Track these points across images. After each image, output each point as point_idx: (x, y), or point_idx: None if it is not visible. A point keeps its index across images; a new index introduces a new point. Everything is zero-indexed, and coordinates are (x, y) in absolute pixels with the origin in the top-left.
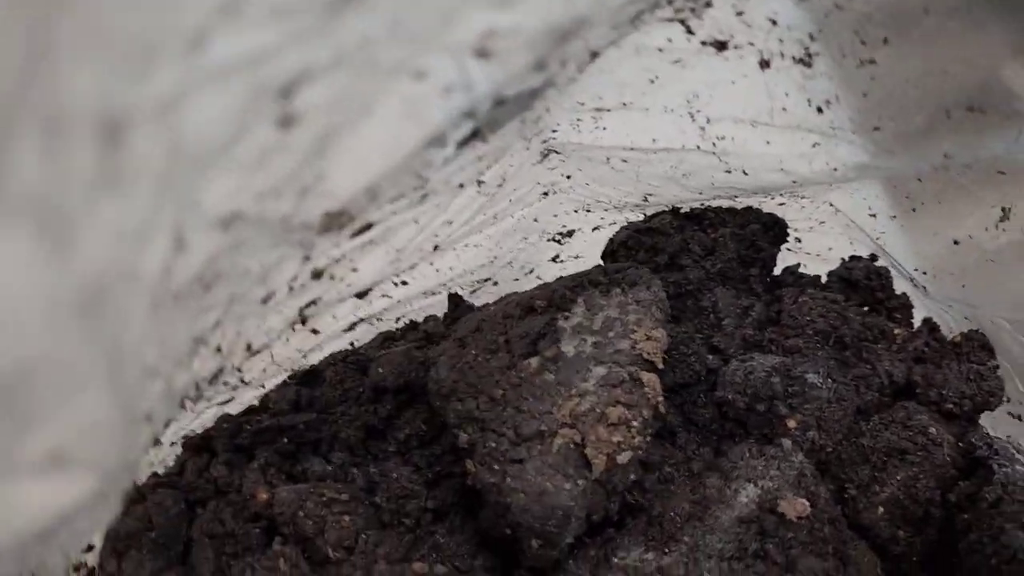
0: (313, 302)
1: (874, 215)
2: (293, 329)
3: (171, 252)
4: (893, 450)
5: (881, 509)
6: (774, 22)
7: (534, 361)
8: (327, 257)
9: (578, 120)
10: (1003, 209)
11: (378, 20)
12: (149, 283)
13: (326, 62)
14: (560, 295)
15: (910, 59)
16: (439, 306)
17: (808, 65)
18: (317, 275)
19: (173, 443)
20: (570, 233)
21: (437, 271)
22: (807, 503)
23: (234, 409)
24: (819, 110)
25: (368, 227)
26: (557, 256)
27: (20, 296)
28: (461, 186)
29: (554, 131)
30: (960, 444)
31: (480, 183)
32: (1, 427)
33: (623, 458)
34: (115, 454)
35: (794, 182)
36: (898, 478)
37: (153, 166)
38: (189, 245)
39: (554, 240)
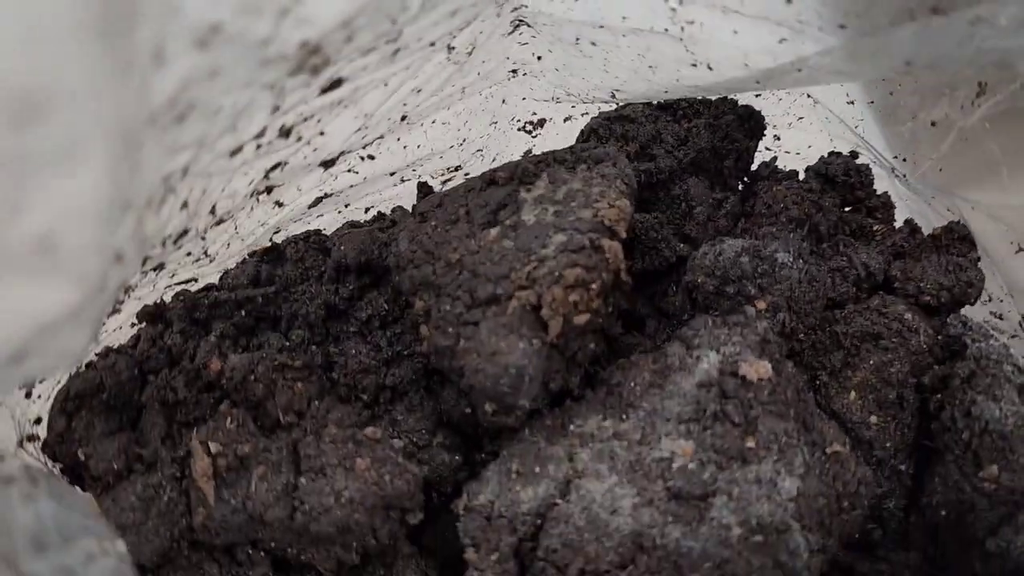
0: (279, 165)
1: (852, 102)
2: (258, 200)
3: (150, 65)
4: (867, 335)
5: (853, 394)
6: None
7: (493, 230)
8: (295, 114)
9: None
10: (979, 84)
11: None
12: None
13: None
14: (523, 169)
15: None
16: (407, 197)
17: None
18: (285, 132)
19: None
20: (541, 123)
21: (405, 148)
22: (768, 365)
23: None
24: (788, 0)
25: (338, 83)
26: (530, 151)
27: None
28: (432, 45)
29: (522, 3)
30: (939, 336)
31: (450, 48)
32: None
33: (580, 319)
34: (97, 264)
35: (757, 82)
36: (871, 362)
37: None
38: (167, 59)
39: (524, 131)
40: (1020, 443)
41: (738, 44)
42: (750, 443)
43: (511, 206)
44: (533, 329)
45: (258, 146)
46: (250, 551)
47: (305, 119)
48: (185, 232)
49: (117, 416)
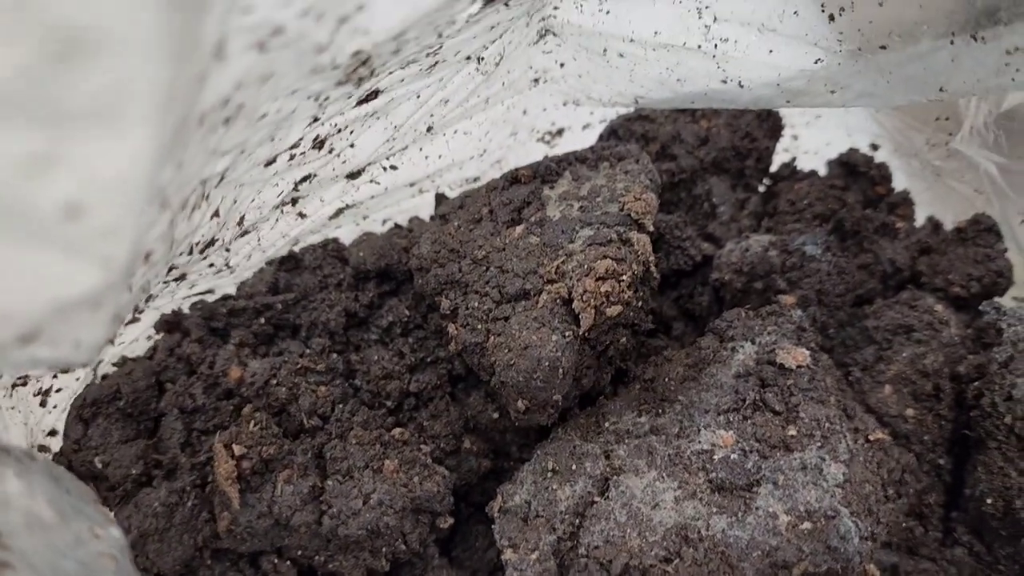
0: (308, 177)
1: None
2: (282, 211)
3: (211, 58)
4: (899, 327)
5: (888, 388)
6: None
7: (519, 227)
8: (330, 125)
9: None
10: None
11: None
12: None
13: None
14: (545, 167)
15: None
16: (425, 208)
17: None
18: (319, 144)
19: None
20: (559, 132)
21: (426, 158)
22: (807, 352)
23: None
24: (831, 17)
25: (375, 94)
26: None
27: None
28: (468, 58)
29: (556, 7)
30: (969, 328)
31: (480, 59)
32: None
33: (612, 311)
34: (124, 252)
35: (788, 101)
36: (904, 355)
37: None
38: (227, 56)
39: (543, 141)
40: None
41: (773, 63)
42: (792, 431)
43: (535, 203)
44: (565, 322)
45: (291, 157)
46: (276, 560)
47: (339, 130)
48: (213, 242)
49: (135, 423)
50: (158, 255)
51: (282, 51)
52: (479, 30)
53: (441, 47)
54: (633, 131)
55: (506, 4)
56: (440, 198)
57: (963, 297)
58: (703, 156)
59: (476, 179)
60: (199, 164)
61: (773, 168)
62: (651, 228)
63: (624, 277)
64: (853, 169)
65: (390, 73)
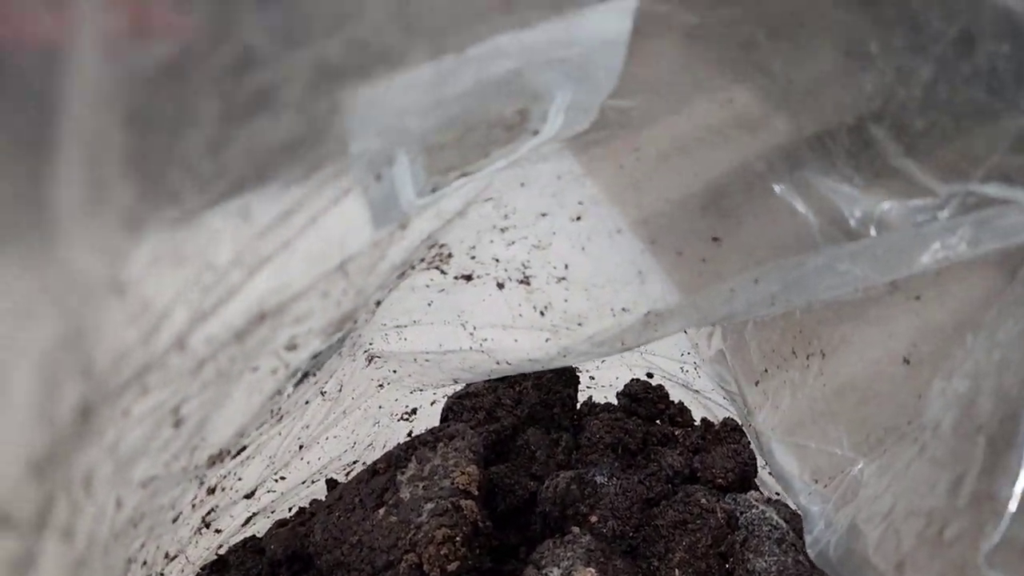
0: (212, 510)
1: None
2: (200, 533)
3: (114, 511)
4: (677, 523)
5: (677, 571)
6: (496, 259)
7: (381, 510)
8: (217, 476)
9: (386, 335)
10: None
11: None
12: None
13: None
14: (397, 456)
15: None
16: (320, 491)
17: (528, 284)
18: (211, 491)
19: None
20: (414, 411)
21: (308, 463)
22: (592, 570)
23: None
24: (541, 313)
25: (243, 449)
26: (410, 432)
27: None
28: (307, 403)
29: (371, 343)
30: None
31: (323, 393)
32: None
33: (452, 567)
34: None
35: (536, 363)
36: (684, 542)
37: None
38: (124, 504)
39: (403, 419)
40: None
41: (520, 346)
42: None
43: (391, 488)
44: None
45: (192, 506)
46: None
47: (224, 476)
48: None
49: None
50: None
51: (160, 481)
52: (306, 389)
53: (279, 409)
54: (465, 406)
55: (315, 374)
56: (330, 483)
57: (724, 486)
58: (520, 413)
59: (355, 462)
60: (122, 553)
61: (580, 405)
62: (476, 493)
63: (458, 539)
64: (636, 396)
65: (247, 438)
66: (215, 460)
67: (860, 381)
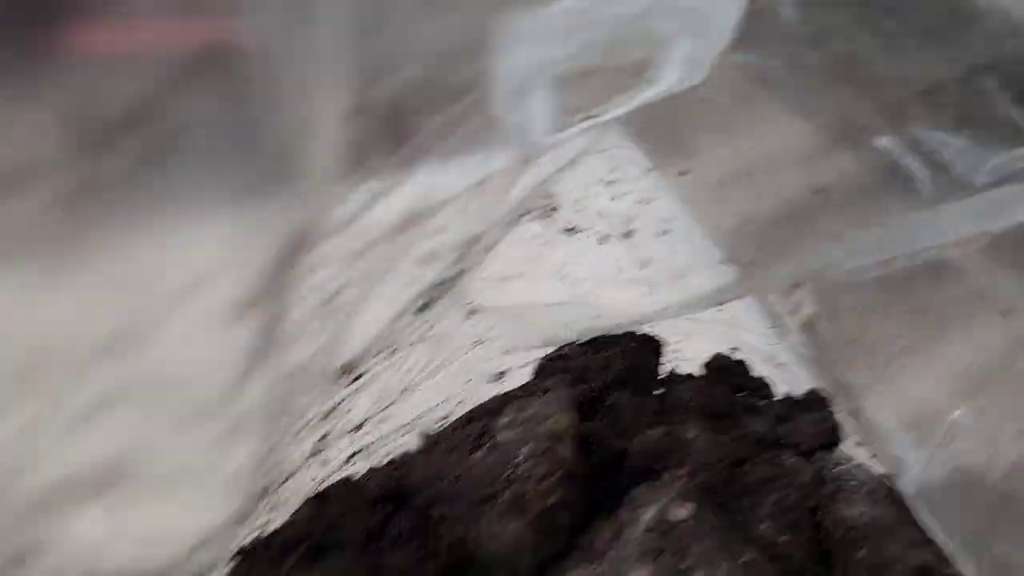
0: (323, 436)
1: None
2: (309, 462)
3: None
4: (766, 479)
5: (762, 524)
6: (600, 214)
7: (479, 452)
8: (331, 403)
9: (488, 289)
10: None
11: None
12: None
13: None
14: (492, 407)
15: None
16: (412, 442)
17: (631, 238)
18: (326, 415)
19: None
20: (503, 373)
21: (404, 410)
22: (690, 506)
23: None
24: (643, 268)
25: (359, 376)
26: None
27: None
28: (412, 344)
29: (473, 298)
30: (816, 472)
31: (428, 338)
32: None
33: (552, 500)
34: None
35: (634, 320)
36: (772, 498)
37: None
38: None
39: (494, 380)
40: (872, 531)
41: (618, 298)
42: (686, 564)
43: (488, 433)
44: (520, 513)
45: (309, 425)
46: None
47: (338, 404)
48: (265, 490)
49: None
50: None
51: (304, 375)
52: (418, 324)
53: (396, 342)
54: (556, 367)
55: (430, 308)
56: (421, 436)
57: (808, 451)
58: (607, 377)
59: (445, 417)
60: (262, 441)
61: (664, 374)
62: (570, 439)
63: (556, 475)
64: (721, 367)
65: (365, 363)
66: (344, 371)
67: (956, 333)
